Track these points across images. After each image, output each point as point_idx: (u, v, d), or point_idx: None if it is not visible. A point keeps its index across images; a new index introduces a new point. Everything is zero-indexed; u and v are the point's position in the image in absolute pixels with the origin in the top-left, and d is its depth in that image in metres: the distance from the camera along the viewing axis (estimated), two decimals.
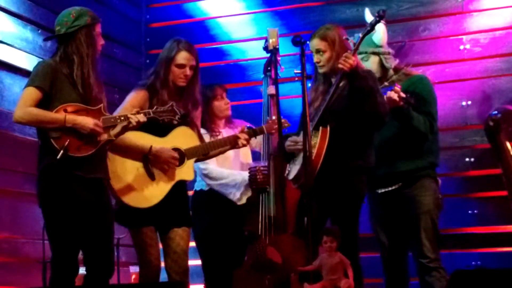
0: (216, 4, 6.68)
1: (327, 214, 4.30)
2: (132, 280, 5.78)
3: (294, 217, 4.26)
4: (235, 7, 6.62)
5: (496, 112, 4.04)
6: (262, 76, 4.73)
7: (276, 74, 4.45)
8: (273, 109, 4.61)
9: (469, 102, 5.72)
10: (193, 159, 4.34)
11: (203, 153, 4.38)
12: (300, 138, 4.22)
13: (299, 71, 4.16)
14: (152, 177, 4.19)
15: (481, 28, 5.84)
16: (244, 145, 4.48)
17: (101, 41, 4.05)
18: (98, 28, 4.03)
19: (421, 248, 4.38)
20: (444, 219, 4.53)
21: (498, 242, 5.53)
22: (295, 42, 4.13)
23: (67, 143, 3.75)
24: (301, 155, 4.07)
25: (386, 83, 4.49)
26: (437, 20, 5.95)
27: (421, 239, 4.38)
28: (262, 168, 4.42)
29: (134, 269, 5.84)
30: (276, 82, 4.34)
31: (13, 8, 5.33)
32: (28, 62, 5.40)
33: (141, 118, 3.93)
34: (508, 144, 3.97)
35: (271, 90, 4.64)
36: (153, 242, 4.25)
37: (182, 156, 4.26)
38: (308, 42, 4.28)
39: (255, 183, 4.45)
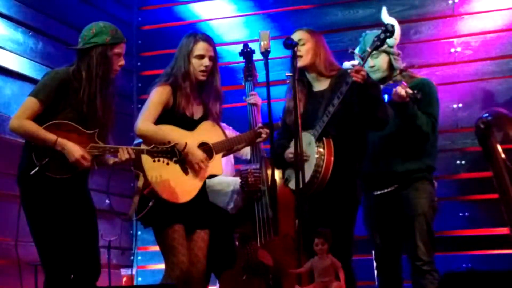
0: (208, 7, 6.69)
1: (324, 217, 4.31)
2: (123, 283, 5.77)
3: (292, 219, 4.24)
4: (227, 9, 6.63)
5: (487, 114, 4.05)
6: (243, 82, 4.72)
7: (267, 77, 4.44)
8: (257, 117, 4.61)
9: (460, 105, 5.74)
10: (221, 154, 4.33)
11: (228, 147, 4.38)
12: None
13: (290, 74, 4.17)
14: (185, 171, 4.15)
15: (472, 31, 5.86)
16: (264, 139, 4.44)
17: (120, 62, 3.98)
18: (119, 49, 3.97)
19: (416, 250, 4.38)
20: (435, 222, 4.53)
21: (489, 244, 5.54)
22: (286, 45, 4.13)
23: (44, 162, 3.75)
24: (304, 165, 4.06)
25: (390, 82, 4.50)
26: (428, 23, 5.97)
27: (415, 241, 4.39)
28: (253, 171, 4.42)
29: (125, 272, 5.84)
30: (267, 85, 4.33)
31: (3, 10, 5.32)
32: (19, 64, 5.40)
33: (132, 154, 3.88)
34: (499, 146, 3.98)
35: (252, 99, 4.64)
36: (184, 241, 4.17)
37: (210, 150, 4.26)
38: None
39: (246, 185, 4.46)
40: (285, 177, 4.44)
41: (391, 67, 4.62)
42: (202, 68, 4.28)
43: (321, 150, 4.21)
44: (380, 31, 4.27)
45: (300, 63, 4.35)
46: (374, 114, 4.22)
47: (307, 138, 4.21)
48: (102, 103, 3.92)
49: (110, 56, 3.93)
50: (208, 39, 4.36)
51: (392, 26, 4.25)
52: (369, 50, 4.24)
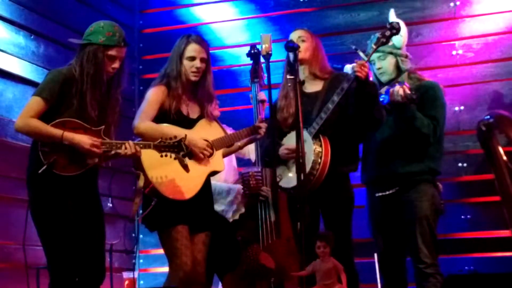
0: (209, 10, 6.69)
1: (320, 219, 4.31)
2: (125, 286, 5.76)
3: (288, 222, 4.25)
4: (228, 12, 6.63)
5: (488, 117, 4.04)
6: (250, 83, 4.74)
7: (269, 79, 4.45)
8: (263, 114, 4.64)
9: (462, 107, 5.74)
10: (221, 150, 4.32)
11: (228, 144, 4.36)
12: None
13: (291, 77, 4.17)
14: (186, 168, 4.08)
15: (473, 34, 5.87)
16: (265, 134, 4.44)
17: (113, 64, 3.95)
18: (113, 52, 3.92)
19: (418, 253, 4.38)
20: (437, 224, 4.53)
21: (491, 247, 5.53)
22: (288, 48, 4.14)
23: (52, 159, 3.74)
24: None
25: (394, 83, 4.49)
26: (429, 26, 5.97)
27: (417, 244, 4.38)
28: (255, 174, 4.41)
29: (127, 275, 5.83)
30: (269, 87, 4.34)
31: (5, 14, 5.33)
32: (20, 67, 5.40)
33: (139, 150, 3.86)
34: (500, 149, 3.97)
35: (262, 96, 4.66)
36: (188, 242, 4.14)
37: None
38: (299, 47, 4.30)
39: (248, 188, 4.45)
40: (276, 175, 4.43)
41: (398, 69, 4.60)
42: (194, 69, 4.28)
43: (319, 148, 4.21)
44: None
45: (300, 55, 4.34)
46: (371, 114, 4.23)
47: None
48: (94, 101, 3.89)
49: (100, 56, 3.90)
50: (200, 41, 4.35)
51: (398, 23, 4.26)
52: (374, 46, 4.24)
